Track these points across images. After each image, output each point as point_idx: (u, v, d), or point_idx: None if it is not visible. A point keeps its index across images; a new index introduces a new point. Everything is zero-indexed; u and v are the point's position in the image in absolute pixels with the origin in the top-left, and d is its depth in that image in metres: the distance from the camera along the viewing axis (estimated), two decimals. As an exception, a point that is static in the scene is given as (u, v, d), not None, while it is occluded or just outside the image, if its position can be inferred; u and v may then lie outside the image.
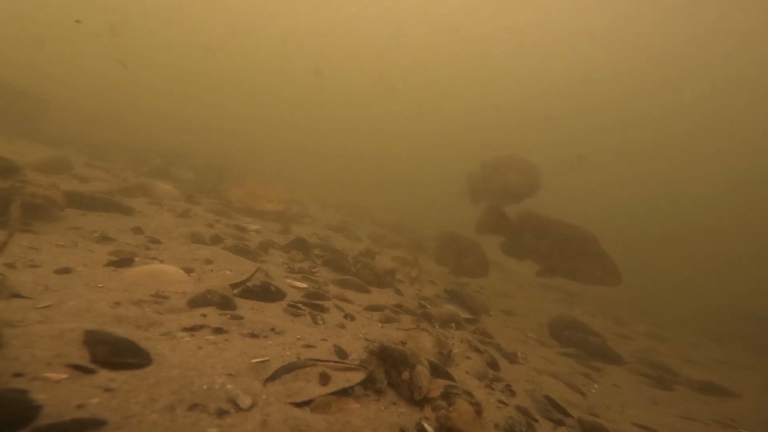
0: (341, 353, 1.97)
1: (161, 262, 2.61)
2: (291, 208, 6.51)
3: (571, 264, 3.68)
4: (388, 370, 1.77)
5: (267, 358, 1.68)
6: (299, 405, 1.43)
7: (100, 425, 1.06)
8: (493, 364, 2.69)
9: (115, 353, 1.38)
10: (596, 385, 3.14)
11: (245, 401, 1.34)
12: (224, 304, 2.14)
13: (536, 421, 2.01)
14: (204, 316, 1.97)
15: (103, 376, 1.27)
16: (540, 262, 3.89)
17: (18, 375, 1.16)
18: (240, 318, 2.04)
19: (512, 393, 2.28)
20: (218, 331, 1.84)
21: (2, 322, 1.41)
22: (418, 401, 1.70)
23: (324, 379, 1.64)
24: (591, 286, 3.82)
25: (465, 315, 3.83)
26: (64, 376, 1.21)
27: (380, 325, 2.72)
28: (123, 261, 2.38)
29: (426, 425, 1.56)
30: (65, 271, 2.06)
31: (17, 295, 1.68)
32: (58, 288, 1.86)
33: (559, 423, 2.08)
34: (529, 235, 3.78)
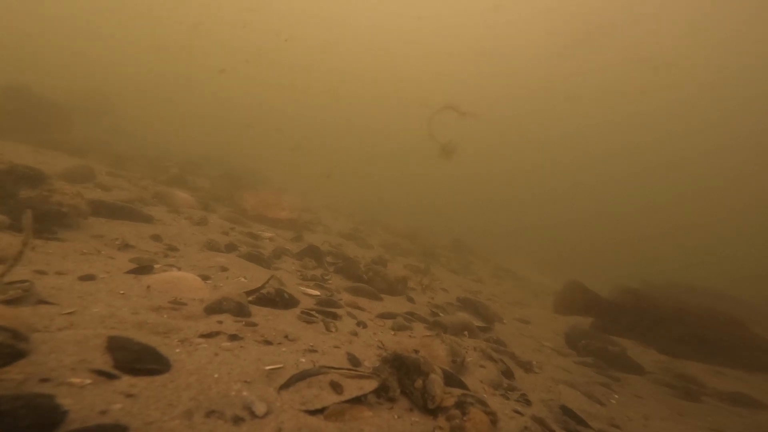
0: (354, 361, 1.98)
1: (179, 269, 2.67)
2: (303, 216, 6.59)
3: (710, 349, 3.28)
4: (401, 378, 1.76)
5: (281, 365, 1.70)
6: (313, 413, 1.44)
7: (123, 431, 1.09)
8: (508, 373, 2.64)
9: (136, 359, 1.42)
10: (616, 396, 3.04)
11: (260, 408, 1.35)
12: (239, 311, 2.18)
13: (553, 431, 1.96)
14: (220, 322, 2.01)
15: (126, 381, 1.31)
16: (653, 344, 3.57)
17: (45, 380, 1.21)
18: (254, 325, 2.07)
19: (528, 402, 2.23)
20: (234, 337, 1.87)
21: (30, 327, 1.47)
22: (432, 410, 1.68)
23: (337, 386, 1.65)
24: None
25: (478, 323, 3.78)
26: (88, 381, 1.25)
27: (392, 333, 2.71)
28: (143, 268, 2.45)
29: (440, 435, 1.54)
30: (89, 278, 2.14)
31: (44, 302, 1.74)
32: (82, 294, 1.93)
33: (577, 435, 2.03)
34: (631, 314, 3.38)
